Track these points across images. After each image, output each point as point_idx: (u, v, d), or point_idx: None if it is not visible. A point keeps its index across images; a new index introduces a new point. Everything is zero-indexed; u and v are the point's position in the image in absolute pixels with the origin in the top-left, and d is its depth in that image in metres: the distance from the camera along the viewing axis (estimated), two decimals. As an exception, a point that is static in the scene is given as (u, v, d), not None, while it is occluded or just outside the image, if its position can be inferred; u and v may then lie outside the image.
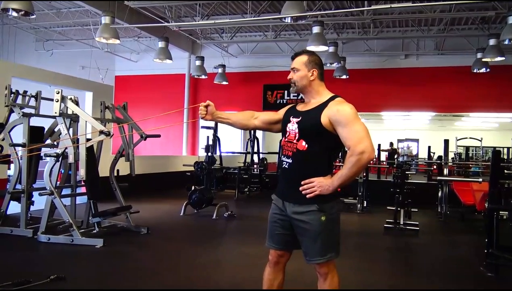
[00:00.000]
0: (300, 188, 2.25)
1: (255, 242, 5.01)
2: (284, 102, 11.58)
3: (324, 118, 2.24)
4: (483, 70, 9.29)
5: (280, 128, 2.52)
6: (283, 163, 2.36)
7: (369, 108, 11.78)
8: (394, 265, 4.62)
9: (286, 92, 11.72)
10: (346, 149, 2.24)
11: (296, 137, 2.31)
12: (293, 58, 2.42)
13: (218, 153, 9.00)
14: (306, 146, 2.27)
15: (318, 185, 2.22)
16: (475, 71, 9.42)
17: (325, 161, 2.32)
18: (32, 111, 5.43)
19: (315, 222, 2.25)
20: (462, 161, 13.12)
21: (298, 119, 2.33)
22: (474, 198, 6.68)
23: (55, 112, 4.84)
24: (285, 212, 2.34)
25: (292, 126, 2.34)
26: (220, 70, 11.19)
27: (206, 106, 2.48)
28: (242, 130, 14.09)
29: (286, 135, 2.37)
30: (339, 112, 2.22)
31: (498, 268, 4.06)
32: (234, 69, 11.88)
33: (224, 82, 11.23)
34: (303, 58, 2.37)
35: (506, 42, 7.23)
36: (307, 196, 2.24)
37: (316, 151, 2.27)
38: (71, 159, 4.84)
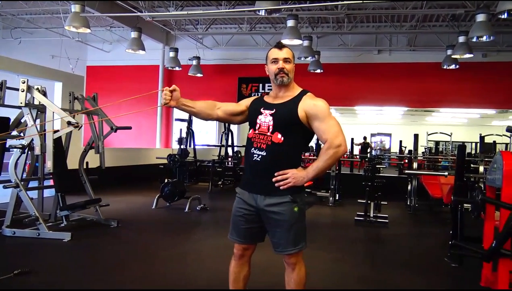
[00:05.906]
0: (274, 179, 2.25)
1: (227, 234, 4.99)
2: (259, 95, 11.55)
3: (301, 112, 2.27)
4: (452, 66, 9.50)
5: (241, 120, 2.51)
6: (254, 155, 2.31)
7: (343, 102, 11.96)
8: (364, 255, 4.71)
9: (261, 85, 11.73)
10: (321, 142, 2.30)
11: (271, 130, 2.29)
12: (281, 47, 2.35)
13: (192, 146, 8.93)
14: (282, 138, 2.27)
15: (292, 176, 2.24)
16: (445, 67, 9.63)
17: (297, 153, 2.38)
18: (-3, 101, 5.24)
19: (288, 212, 2.27)
20: (432, 155, 13.46)
21: (272, 112, 2.31)
22: (441, 191, 6.86)
23: (21, 103, 4.71)
24: (254, 205, 2.33)
25: (265, 119, 2.31)
26: (194, 62, 11.07)
27: (172, 91, 2.31)
28: (217, 123, 14.04)
29: (257, 128, 2.34)
30: (316, 107, 2.27)
31: (462, 258, 4.19)
32: (209, 62, 11.79)
33: (199, 75, 11.13)
34: (291, 52, 2.37)
35: (475, 39, 7.41)
36: (281, 187, 2.25)
37: (291, 143, 2.28)
38: (37, 151, 4.73)
